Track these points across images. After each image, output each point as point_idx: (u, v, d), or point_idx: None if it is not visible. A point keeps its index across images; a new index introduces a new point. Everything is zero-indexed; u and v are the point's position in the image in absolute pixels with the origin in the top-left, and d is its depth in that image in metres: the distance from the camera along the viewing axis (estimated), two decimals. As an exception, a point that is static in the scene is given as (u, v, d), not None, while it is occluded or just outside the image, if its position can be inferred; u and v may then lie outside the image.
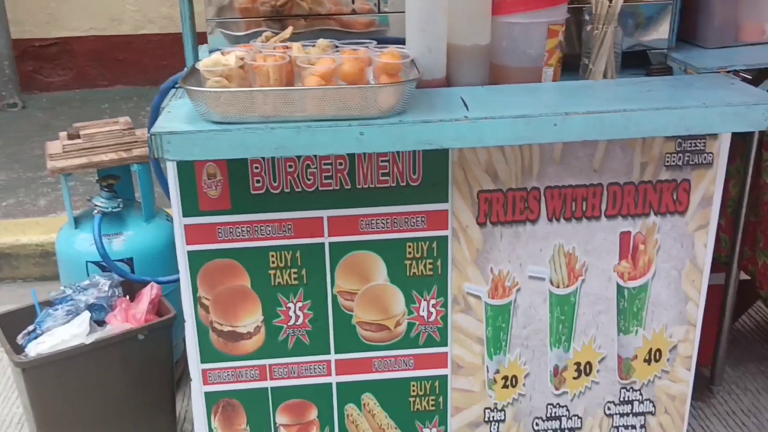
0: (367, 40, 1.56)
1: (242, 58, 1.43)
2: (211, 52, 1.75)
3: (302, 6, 1.79)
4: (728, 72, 1.67)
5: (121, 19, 5.09)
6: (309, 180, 1.62)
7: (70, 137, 2.21)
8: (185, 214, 1.62)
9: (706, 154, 1.63)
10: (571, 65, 1.71)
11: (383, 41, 1.78)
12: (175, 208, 1.62)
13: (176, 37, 1.74)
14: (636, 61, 1.82)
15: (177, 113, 1.48)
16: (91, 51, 5.12)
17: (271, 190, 1.61)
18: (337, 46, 1.54)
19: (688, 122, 1.42)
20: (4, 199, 3.51)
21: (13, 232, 3.18)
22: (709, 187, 1.66)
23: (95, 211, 2.14)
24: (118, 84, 5.20)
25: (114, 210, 2.15)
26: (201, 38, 1.82)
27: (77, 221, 2.25)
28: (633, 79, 1.66)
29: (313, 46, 1.54)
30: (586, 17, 1.70)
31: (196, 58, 1.73)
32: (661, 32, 1.80)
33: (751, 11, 1.82)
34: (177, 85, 1.72)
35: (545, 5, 1.59)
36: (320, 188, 1.62)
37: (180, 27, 1.79)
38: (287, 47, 1.50)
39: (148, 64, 5.13)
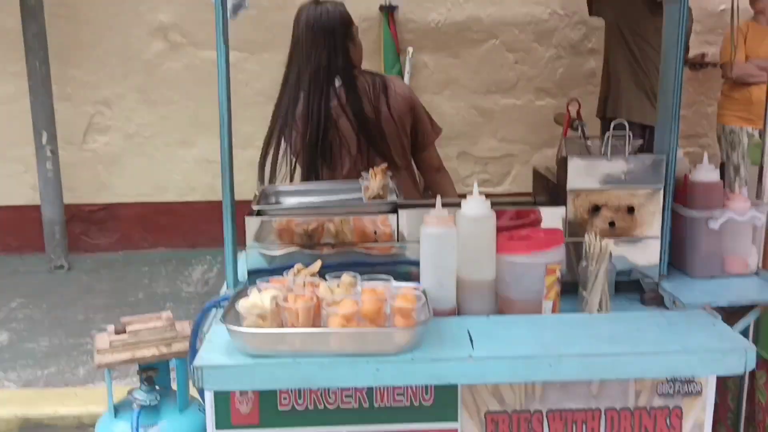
0: (386, 276, 1.78)
1: (275, 297, 1.65)
2: (250, 274, 2.00)
3: (330, 230, 2.04)
4: (710, 308, 1.84)
5: (166, 187, 5.48)
6: (331, 399, 1.78)
7: (117, 332, 2.43)
8: (218, 427, 1.79)
9: (694, 384, 1.78)
10: (572, 290, 1.91)
11: (401, 262, 2.01)
12: (209, 420, 1.79)
13: (216, 204, 1.99)
14: (633, 288, 2.02)
15: (216, 342, 1.68)
16: (136, 215, 5.49)
17: (296, 407, 1.78)
18: (358, 281, 1.76)
19: (671, 368, 1.60)
20: (46, 366, 3.71)
21: (53, 402, 3.35)
22: (699, 414, 1.79)
23: (134, 405, 2.31)
24: (159, 246, 5.52)
25: (152, 403, 2.33)
26: (239, 208, 2.03)
27: (117, 410, 2.42)
28: (624, 314, 1.84)
29: (338, 279, 1.76)
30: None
31: (234, 247, 2.01)
32: (653, 263, 2.00)
33: (733, 245, 2.01)
34: (219, 304, 1.95)
35: (543, 248, 1.81)
36: (341, 406, 1.79)
37: (220, 195, 2.02)
38: (315, 285, 1.72)
39: (189, 229, 5.48)
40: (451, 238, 1.79)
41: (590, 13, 4.81)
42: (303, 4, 2.68)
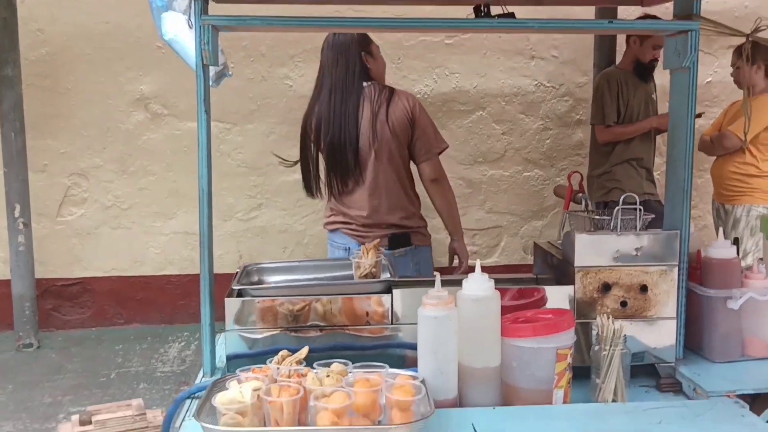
0: (381, 365, 1.61)
1: (258, 389, 1.47)
2: (229, 359, 1.82)
3: (318, 311, 1.87)
4: (735, 395, 1.68)
5: (143, 260, 5.28)
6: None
7: (82, 423, 2.22)
8: None
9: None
10: (582, 376, 1.75)
11: (395, 345, 1.84)
12: None
13: (195, 277, 1.85)
14: (646, 371, 1.86)
15: (189, 440, 1.49)
16: (110, 290, 5.26)
17: None
18: (349, 369, 1.58)
19: (701, 468, 1.42)
20: (7, 455, 3.44)
21: (11, 496, 3.08)
22: None
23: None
24: (134, 322, 5.28)
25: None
26: (219, 281, 1.90)
27: None
28: (642, 405, 1.67)
29: (327, 367, 1.59)
30: (593, 331, 1.77)
31: (212, 329, 1.85)
32: (668, 345, 1.85)
33: (754, 327, 1.87)
34: (194, 395, 1.75)
35: (553, 331, 1.65)
36: None
37: (199, 268, 1.89)
38: (302, 374, 1.55)
39: (165, 304, 5.25)
40: (452, 321, 1.62)
41: None
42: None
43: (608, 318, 1.72)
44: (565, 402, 1.67)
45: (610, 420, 1.58)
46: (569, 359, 1.66)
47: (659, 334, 1.84)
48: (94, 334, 5.13)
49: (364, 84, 2.99)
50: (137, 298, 5.28)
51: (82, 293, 5.27)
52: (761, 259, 1.95)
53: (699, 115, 4.40)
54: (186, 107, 5.14)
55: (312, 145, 3.06)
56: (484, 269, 1.69)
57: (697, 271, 1.92)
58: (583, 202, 2.05)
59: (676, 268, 1.83)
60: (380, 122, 2.95)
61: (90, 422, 2.19)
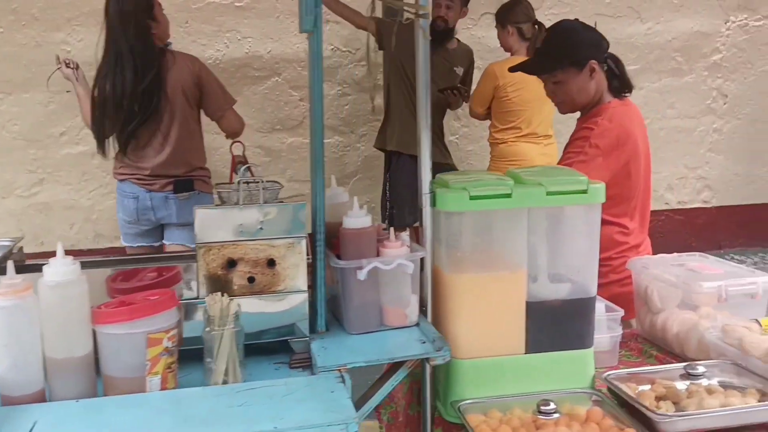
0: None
1: None
2: None
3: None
4: (347, 369, 1.64)
5: None
6: None
7: None
8: None
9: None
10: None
11: None
12: None
13: None
14: (287, 348, 1.80)
15: None
16: None
17: None
18: None
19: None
20: None
21: None
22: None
23: None
24: None
25: None
26: None
27: None
28: (252, 384, 1.60)
29: None
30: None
31: None
32: (302, 320, 1.79)
33: (389, 297, 1.84)
34: None
35: (143, 315, 1.55)
36: None
37: None
38: None
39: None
40: (28, 310, 1.49)
41: (379, 48, 4.68)
42: None
43: (222, 296, 1.64)
44: (164, 389, 1.58)
45: (192, 405, 1.50)
46: (167, 343, 1.57)
47: (292, 309, 1.78)
48: None
49: (150, 49, 3.27)
50: None
51: None
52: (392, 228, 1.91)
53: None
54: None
55: (103, 107, 3.29)
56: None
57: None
58: (240, 172, 1.94)
59: (304, 241, 1.76)
60: (169, 84, 3.28)
61: None
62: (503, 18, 4.24)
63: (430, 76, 4.52)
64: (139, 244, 3.55)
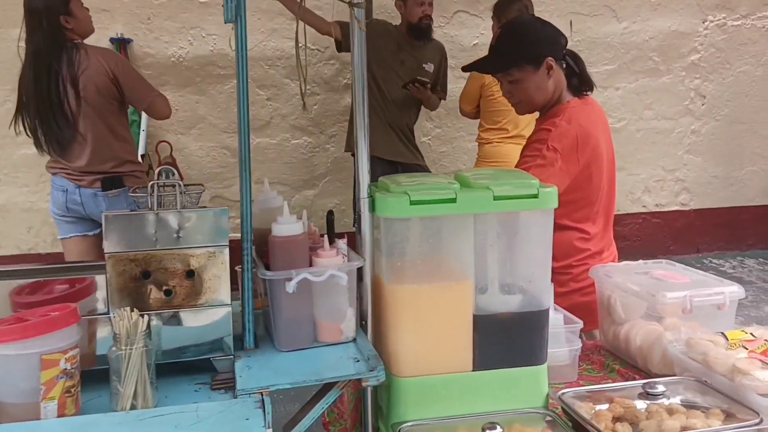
0: None
1: None
2: None
3: None
4: (269, 392, 1.49)
5: None
6: None
7: None
8: None
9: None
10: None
11: None
12: None
13: None
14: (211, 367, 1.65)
15: None
16: None
17: None
18: None
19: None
20: None
21: None
22: None
23: None
24: None
25: None
26: None
27: None
28: (160, 410, 1.44)
29: None
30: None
31: None
32: (226, 336, 1.64)
33: (323, 310, 1.69)
34: None
35: (37, 333, 1.39)
36: None
37: None
38: None
39: None
40: None
41: (339, 50, 4.56)
42: None
43: (132, 311, 1.49)
44: (63, 415, 1.42)
45: (90, 436, 1.35)
46: (65, 365, 1.41)
47: (214, 325, 1.63)
48: None
49: (64, 47, 3.21)
50: None
51: None
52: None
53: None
54: None
55: (27, 106, 3.29)
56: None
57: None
58: (162, 174, 1.78)
59: (227, 249, 1.61)
60: (82, 83, 3.22)
61: None
62: (500, 13, 4.11)
63: (399, 74, 4.46)
64: (73, 234, 3.45)
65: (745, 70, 6.01)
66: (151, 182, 1.57)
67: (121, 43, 4.75)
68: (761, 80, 6.03)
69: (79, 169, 3.35)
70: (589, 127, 2.19)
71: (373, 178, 1.73)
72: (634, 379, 1.98)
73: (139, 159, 4.31)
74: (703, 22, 5.86)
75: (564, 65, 2.24)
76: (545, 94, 2.22)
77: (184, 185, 1.66)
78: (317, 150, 5.24)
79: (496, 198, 1.67)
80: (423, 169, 4.61)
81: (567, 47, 2.27)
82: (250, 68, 5.35)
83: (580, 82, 2.25)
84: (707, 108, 5.99)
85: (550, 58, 2.18)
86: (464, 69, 2.36)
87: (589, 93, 2.28)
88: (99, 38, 4.71)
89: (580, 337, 2.04)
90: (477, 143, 4.44)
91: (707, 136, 6.03)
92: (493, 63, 2.28)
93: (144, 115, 4.72)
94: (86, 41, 3.40)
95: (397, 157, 4.44)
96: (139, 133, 4.62)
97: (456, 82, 5.24)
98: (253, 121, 5.10)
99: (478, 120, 4.46)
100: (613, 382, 1.98)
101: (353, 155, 4.57)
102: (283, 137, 5.18)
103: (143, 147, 4.58)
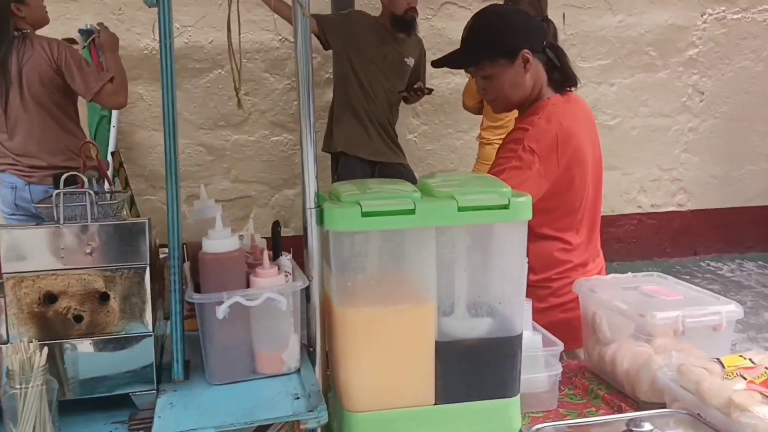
0: None
1: None
2: None
3: None
4: None
5: None
6: None
7: None
8: None
9: None
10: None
11: None
12: None
13: None
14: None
15: None
16: None
17: None
18: None
19: None
20: None
21: None
22: None
23: None
24: None
25: None
26: None
27: None
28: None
29: None
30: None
31: None
32: (148, 368, 1.43)
33: (260, 338, 1.48)
34: None
35: None
36: None
37: None
38: None
39: None
40: None
41: (325, 48, 4.36)
42: None
43: (29, 343, 1.27)
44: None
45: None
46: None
47: (136, 355, 1.41)
48: None
49: (12, 36, 3.16)
50: None
51: None
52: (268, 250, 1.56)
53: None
54: None
55: None
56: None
57: (204, 269, 1.50)
58: (87, 181, 1.57)
59: (147, 268, 1.39)
60: (25, 73, 3.15)
61: None
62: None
63: (381, 68, 4.26)
64: None
65: (745, 65, 5.81)
66: (56, 191, 1.35)
67: (90, 36, 4.52)
68: (761, 76, 5.83)
69: (27, 164, 3.27)
70: (571, 125, 1.97)
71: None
72: (620, 407, 1.78)
73: (109, 156, 4.14)
74: (702, 16, 5.65)
75: (544, 59, 2.02)
76: (522, 90, 2.00)
77: (114, 192, 1.45)
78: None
79: (461, 209, 1.45)
80: (405, 168, 4.41)
81: (559, 41, 2.05)
82: (227, 61, 5.14)
83: (561, 77, 2.03)
84: (705, 105, 5.79)
85: (526, 50, 1.96)
86: (434, 64, 2.15)
87: (572, 89, 2.06)
88: (68, 30, 4.51)
89: (561, 358, 1.84)
90: (478, 142, 4.24)
91: (705, 134, 5.83)
92: (462, 56, 2.07)
93: (114, 111, 4.51)
94: (71, 35, 3.51)
95: (379, 157, 4.24)
96: (109, 129, 4.41)
97: (444, 77, 5.04)
98: (231, 116, 4.92)
99: (478, 120, 4.28)
100: (597, 410, 1.79)
101: (331, 154, 4.40)
102: (262, 134, 4.97)
103: (113, 144, 4.37)
